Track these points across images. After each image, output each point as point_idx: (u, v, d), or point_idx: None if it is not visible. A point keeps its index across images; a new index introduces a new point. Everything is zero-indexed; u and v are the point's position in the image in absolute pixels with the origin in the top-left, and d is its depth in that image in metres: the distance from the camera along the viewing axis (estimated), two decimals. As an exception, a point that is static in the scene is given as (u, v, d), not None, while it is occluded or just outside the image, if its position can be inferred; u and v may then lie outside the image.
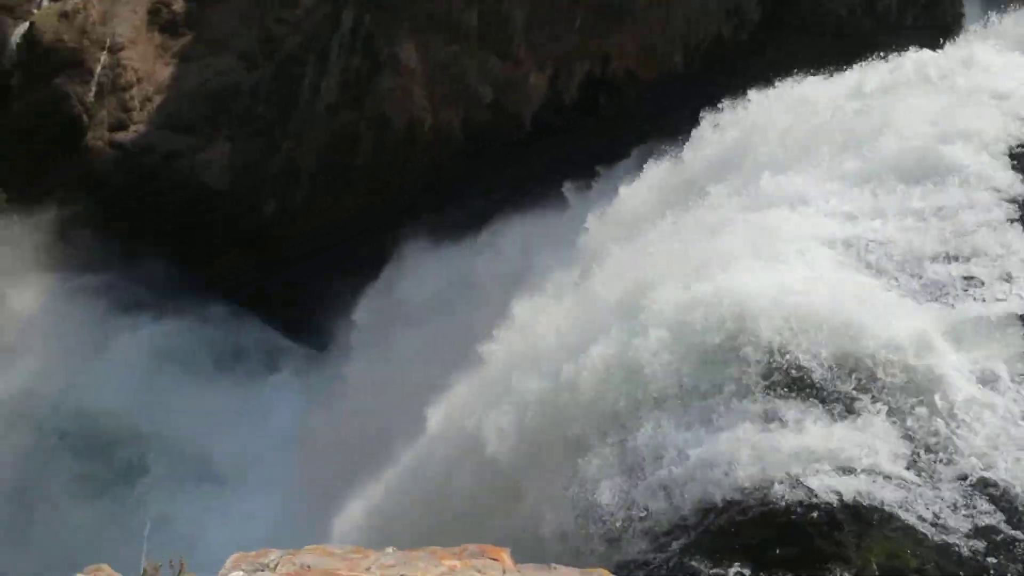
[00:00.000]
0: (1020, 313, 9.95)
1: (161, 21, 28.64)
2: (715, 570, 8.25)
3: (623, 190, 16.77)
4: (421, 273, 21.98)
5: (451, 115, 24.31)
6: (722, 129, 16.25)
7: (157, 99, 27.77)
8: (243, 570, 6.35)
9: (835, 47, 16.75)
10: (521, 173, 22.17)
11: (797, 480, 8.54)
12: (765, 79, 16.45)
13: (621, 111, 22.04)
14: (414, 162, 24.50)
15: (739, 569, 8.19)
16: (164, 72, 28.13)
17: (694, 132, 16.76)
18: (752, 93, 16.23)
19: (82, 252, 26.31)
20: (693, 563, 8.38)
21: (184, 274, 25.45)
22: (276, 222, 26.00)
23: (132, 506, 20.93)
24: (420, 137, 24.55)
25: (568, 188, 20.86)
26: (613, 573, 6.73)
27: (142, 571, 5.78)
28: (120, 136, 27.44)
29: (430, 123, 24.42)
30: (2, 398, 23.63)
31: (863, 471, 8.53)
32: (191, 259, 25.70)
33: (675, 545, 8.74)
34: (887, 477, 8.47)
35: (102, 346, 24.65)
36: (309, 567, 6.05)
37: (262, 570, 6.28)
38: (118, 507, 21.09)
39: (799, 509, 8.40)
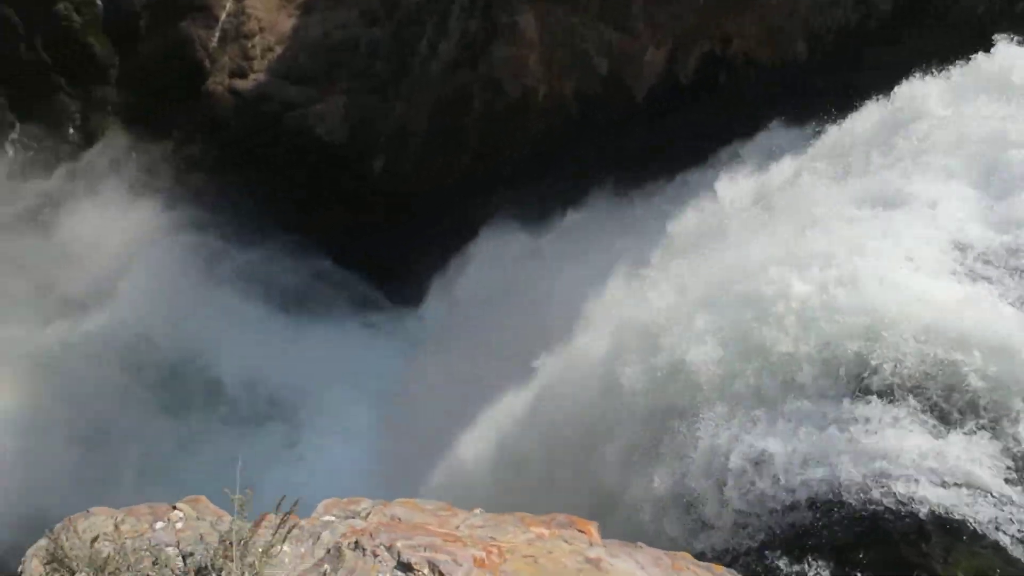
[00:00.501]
0: None
1: (287, -28, 29.09)
2: (795, 567, 8.19)
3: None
4: (487, 268, 22.07)
5: (564, 85, 24.21)
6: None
7: (278, 49, 28.26)
8: (335, 515, 6.51)
9: (968, 44, 16.10)
10: (631, 148, 22.01)
11: (889, 487, 8.39)
12: (892, 72, 15.93)
13: (739, 94, 21.62)
14: (528, 129, 24.50)
15: (819, 568, 8.11)
16: (286, 23, 28.58)
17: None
18: None
19: (191, 192, 27.03)
20: (774, 557, 8.33)
21: (286, 222, 25.96)
22: (383, 179, 26.31)
23: (206, 442, 21.42)
24: (534, 105, 24.51)
25: (637, 192, 20.83)
26: (695, 558, 6.73)
27: (237, 507, 5.93)
28: (239, 83, 28.05)
29: (544, 91, 24.36)
30: (88, 329, 24.34)
31: (959, 484, 8.34)
32: (295, 207, 26.21)
33: (759, 537, 8.69)
34: (985, 493, 8.26)
35: (199, 284, 25.14)
36: (399, 519, 6.16)
37: (353, 517, 6.43)
38: (193, 442, 21.65)
39: (888, 515, 8.27)
